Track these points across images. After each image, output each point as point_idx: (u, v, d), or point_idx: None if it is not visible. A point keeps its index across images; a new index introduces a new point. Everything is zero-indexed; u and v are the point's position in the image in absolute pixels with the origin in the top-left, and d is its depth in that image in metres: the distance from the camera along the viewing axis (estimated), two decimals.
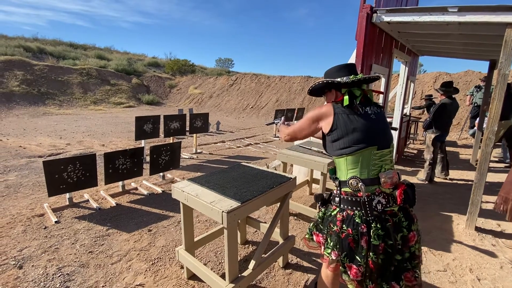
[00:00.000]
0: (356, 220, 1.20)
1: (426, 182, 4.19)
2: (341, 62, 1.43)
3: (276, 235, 2.16)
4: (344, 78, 1.31)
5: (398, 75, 7.84)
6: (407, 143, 6.75)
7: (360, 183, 1.20)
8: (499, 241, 2.63)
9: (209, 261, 2.25)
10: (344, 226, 1.22)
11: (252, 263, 1.80)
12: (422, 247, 2.52)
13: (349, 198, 1.24)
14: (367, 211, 1.19)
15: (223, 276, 1.77)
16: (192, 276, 2.03)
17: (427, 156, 4.12)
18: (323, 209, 1.41)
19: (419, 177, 4.35)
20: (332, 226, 1.28)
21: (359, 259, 1.18)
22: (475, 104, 6.97)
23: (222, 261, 2.25)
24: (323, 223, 1.38)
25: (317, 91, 1.46)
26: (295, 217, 3.02)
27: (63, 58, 16.53)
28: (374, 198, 1.20)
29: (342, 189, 1.28)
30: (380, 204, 1.20)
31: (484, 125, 5.37)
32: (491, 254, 2.43)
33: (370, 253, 1.16)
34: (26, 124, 8.69)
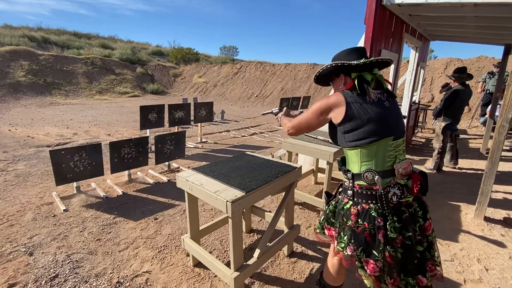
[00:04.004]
0: (372, 214, 1.15)
1: (434, 171, 4.12)
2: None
3: (281, 224, 2.16)
4: (355, 61, 1.21)
5: (407, 61, 7.60)
6: (415, 131, 6.62)
7: (377, 177, 1.15)
8: (510, 232, 2.59)
9: (215, 249, 2.27)
10: (359, 220, 1.17)
11: (257, 252, 1.80)
12: None
13: (364, 192, 1.18)
14: (384, 204, 1.14)
15: (228, 264, 1.79)
16: (198, 264, 2.05)
17: (436, 144, 4.03)
18: (333, 202, 1.35)
19: (427, 166, 4.28)
20: (345, 220, 1.23)
21: (376, 254, 1.13)
22: (487, 91, 6.74)
23: (228, 249, 2.27)
24: (335, 216, 1.32)
25: (324, 78, 1.35)
26: (300, 206, 3.01)
27: (67, 47, 16.48)
28: (390, 190, 1.15)
29: (356, 182, 1.21)
30: (395, 196, 1.15)
31: (497, 113, 5.21)
32: (500, 244, 2.39)
33: (388, 247, 1.12)
34: (33, 114, 8.78)
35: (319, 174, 3.68)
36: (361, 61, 1.19)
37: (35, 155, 4.63)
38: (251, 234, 2.49)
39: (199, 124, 5.89)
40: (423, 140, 6.37)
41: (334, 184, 3.56)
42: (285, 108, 1.73)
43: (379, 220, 1.13)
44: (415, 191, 1.16)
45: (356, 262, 1.20)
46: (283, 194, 2.06)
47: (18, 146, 5.09)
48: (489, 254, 2.25)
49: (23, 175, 3.77)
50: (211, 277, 1.95)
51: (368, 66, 1.21)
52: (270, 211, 2.36)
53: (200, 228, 2.11)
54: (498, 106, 5.29)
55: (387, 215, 1.14)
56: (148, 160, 3.72)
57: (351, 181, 1.23)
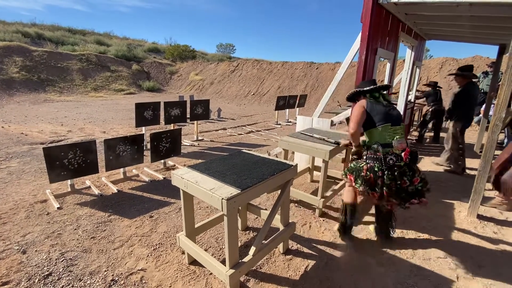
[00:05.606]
0: (375, 169, 1.97)
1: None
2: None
3: (277, 222, 2.16)
4: (365, 88, 2.18)
5: (403, 60, 7.63)
6: (410, 130, 6.66)
7: (379, 146, 1.99)
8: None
9: (210, 247, 2.27)
10: (368, 172, 2.00)
11: (252, 249, 1.81)
12: (423, 234, 2.53)
13: (372, 156, 2.02)
14: (382, 163, 1.96)
15: (223, 261, 1.79)
16: (193, 262, 2.05)
17: (449, 146, 4.06)
18: (354, 162, 2.15)
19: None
20: (360, 172, 2.05)
21: (377, 190, 1.97)
22: (482, 91, 6.81)
23: (223, 247, 2.27)
24: (355, 169, 2.11)
25: (351, 99, 2.36)
26: (296, 204, 3.02)
27: (62, 43, 16.26)
28: (388, 156, 1.96)
29: (368, 150, 2.06)
30: (391, 160, 1.96)
31: (491, 112, 5.26)
32: (492, 242, 2.42)
33: (384, 187, 1.94)
34: (27, 111, 8.67)
35: (315, 172, 3.70)
36: (369, 88, 2.16)
37: (29, 152, 4.57)
38: (247, 231, 2.49)
39: (195, 122, 5.86)
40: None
41: (329, 182, 3.57)
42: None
43: (379, 173, 1.96)
44: (404, 158, 1.95)
45: (365, 194, 2.07)
46: (279, 192, 2.06)
47: (11, 143, 5.02)
48: (482, 251, 2.29)
49: (17, 172, 3.73)
50: (207, 274, 1.95)
51: (374, 90, 2.15)
52: (266, 209, 2.36)
53: (196, 226, 2.10)
54: (492, 105, 5.34)
55: (384, 171, 1.95)
56: (143, 158, 3.70)
57: (365, 150, 2.09)
